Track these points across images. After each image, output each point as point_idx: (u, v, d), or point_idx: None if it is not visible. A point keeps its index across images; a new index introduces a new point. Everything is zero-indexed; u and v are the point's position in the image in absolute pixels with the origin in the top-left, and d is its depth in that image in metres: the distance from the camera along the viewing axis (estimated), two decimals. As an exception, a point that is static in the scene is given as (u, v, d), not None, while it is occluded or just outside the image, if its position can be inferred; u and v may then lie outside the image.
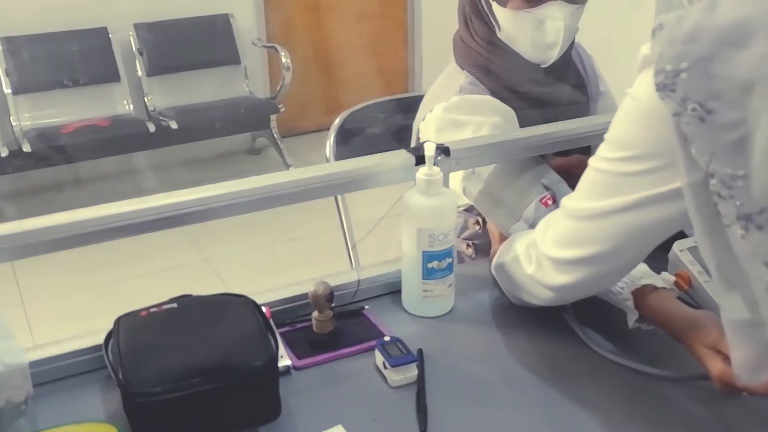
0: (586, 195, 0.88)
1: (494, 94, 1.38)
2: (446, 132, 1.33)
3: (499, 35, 1.36)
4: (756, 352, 0.73)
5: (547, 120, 1.37)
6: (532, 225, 1.11)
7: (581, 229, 0.88)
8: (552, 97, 1.41)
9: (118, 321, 0.97)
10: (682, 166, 0.72)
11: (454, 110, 1.35)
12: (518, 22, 1.32)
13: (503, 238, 1.18)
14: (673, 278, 1.07)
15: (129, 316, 0.97)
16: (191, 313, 0.97)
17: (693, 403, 0.97)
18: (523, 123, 1.37)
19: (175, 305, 0.98)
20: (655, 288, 1.03)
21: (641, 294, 1.02)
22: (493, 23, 1.35)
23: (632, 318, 1.04)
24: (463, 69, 1.43)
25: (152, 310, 0.98)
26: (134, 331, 0.94)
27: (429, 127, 1.38)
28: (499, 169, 1.24)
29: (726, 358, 0.89)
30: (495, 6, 1.33)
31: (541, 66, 1.37)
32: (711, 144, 0.68)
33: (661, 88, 0.71)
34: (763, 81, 0.66)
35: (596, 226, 0.86)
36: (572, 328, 1.10)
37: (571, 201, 0.90)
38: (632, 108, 0.79)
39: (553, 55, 1.35)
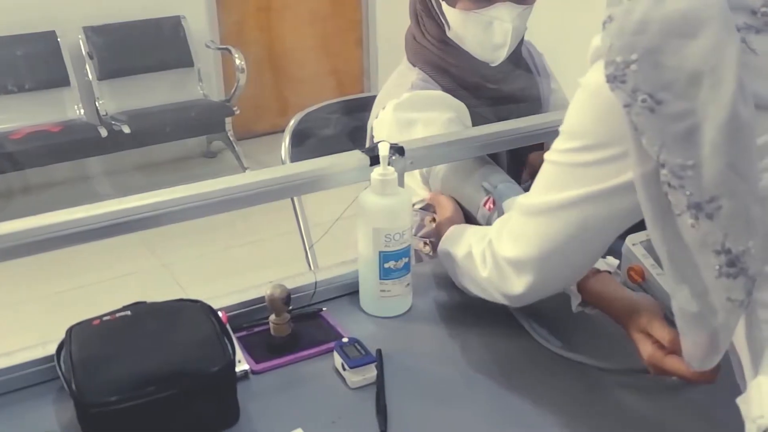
0: (541, 190, 0.88)
1: (446, 91, 1.39)
2: (398, 129, 1.33)
3: (449, 34, 1.36)
4: (705, 340, 0.74)
5: (499, 117, 1.38)
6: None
7: (536, 224, 0.88)
8: (503, 94, 1.42)
9: (70, 331, 0.95)
10: (633, 157, 0.73)
11: (406, 107, 1.36)
12: (467, 22, 1.33)
13: (452, 218, 1.20)
14: (617, 261, 1.09)
15: (81, 326, 0.95)
16: (145, 320, 0.95)
17: (639, 394, 0.99)
18: (476, 120, 1.37)
19: (128, 313, 0.97)
20: (597, 271, 1.05)
21: (584, 278, 1.03)
22: (443, 22, 1.36)
23: (575, 301, 1.06)
24: (414, 66, 1.43)
25: (105, 318, 0.96)
26: (87, 341, 0.92)
27: (382, 125, 1.38)
28: (448, 173, 1.26)
29: (656, 342, 0.93)
30: (444, 6, 1.34)
31: (492, 65, 1.38)
32: (661, 134, 0.69)
33: (611, 79, 0.71)
34: (711, 72, 0.67)
35: (551, 221, 0.86)
36: (522, 324, 1.12)
37: (526, 198, 0.90)
38: (585, 99, 0.80)
39: (502, 55, 1.37)
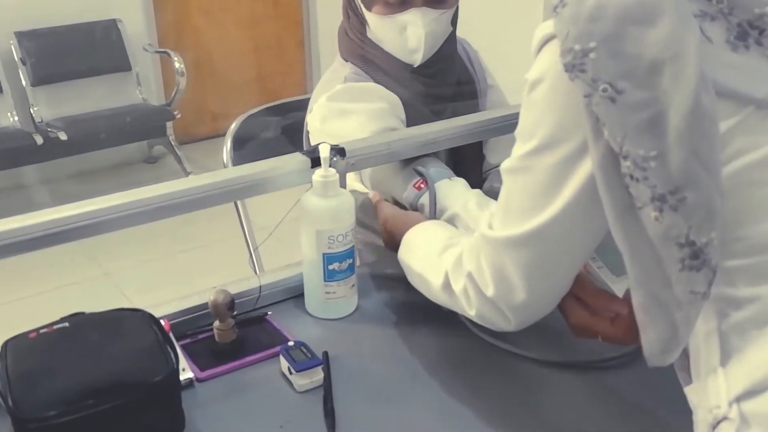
0: (510, 217, 0.81)
1: (378, 83, 1.39)
2: (331, 120, 1.32)
3: (369, 35, 1.37)
4: (666, 334, 0.73)
5: (434, 112, 1.38)
6: (412, 208, 1.18)
7: (517, 258, 0.81)
8: (437, 90, 1.43)
9: (5, 345, 0.92)
10: (592, 148, 0.70)
11: (338, 98, 1.35)
12: (382, 26, 1.34)
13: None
14: None
15: (17, 339, 0.93)
16: (84, 331, 0.93)
17: (583, 385, 1.01)
18: (411, 114, 1.37)
19: (66, 324, 0.94)
20: None
21: None
22: (365, 22, 1.36)
23: None
24: (347, 61, 1.43)
25: (42, 331, 0.93)
26: (23, 354, 0.89)
27: (314, 117, 1.38)
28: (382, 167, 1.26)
29: (586, 306, 0.94)
30: (363, 8, 1.34)
31: (413, 66, 1.38)
32: (623, 125, 0.67)
33: (569, 68, 0.69)
34: (672, 60, 0.66)
35: (531, 250, 0.80)
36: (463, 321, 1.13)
37: (499, 229, 0.82)
38: (537, 93, 0.76)
39: (418, 59, 1.36)
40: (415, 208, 1.25)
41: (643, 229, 0.69)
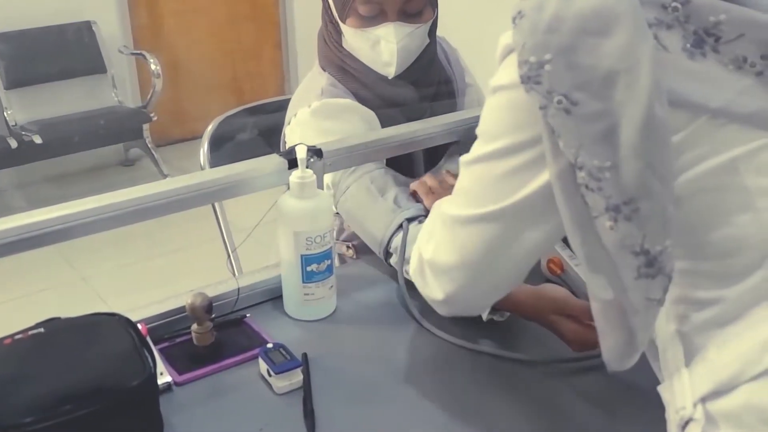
0: (461, 201, 0.83)
1: (355, 94, 1.39)
2: (309, 140, 1.32)
3: (344, 45, 1.37)
4: (624, 339, 0.74)
5: (413, 118, 1.38)
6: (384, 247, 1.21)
7: (457, 235, 0.83)
8: (414, 97, 1.43)
9: (-21, 352, 0.91)
10: (549, 159, 0.71)
11: (316, 116, 1.35)
12: (356, 39, 1.34)
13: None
14: None
15: (-9, 346, 0.91)
16: (60, 336, 0.92)
17: (559, 383, 1.02)
18: (389, 122, 1.37)
19: (42, 330, 0.93)
20: None
21: None
22: (341, 32, 1.36)
23: (485, 312, 1.09)
24: (324, 70, 1.43)
25: (17, 337, 0.92)
26: (-2, 361, 0.88)
27: (293, 134, 1.38)
28: (358, 191, 1.28)
29: (575, 320, 0.99)
30: (338, 19, 1.34)
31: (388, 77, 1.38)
32: (578, 136, 0.67)
33: (525, 80, 0.69)
34: (627, 71, 0.66)
35: (472, 233, 0.82)
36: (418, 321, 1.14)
37: (450, 207, 0.85)
38: (498, 100, 0.77)
39: (391, 72, 1.36)
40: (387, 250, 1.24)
41: (599, 238, 0.70)
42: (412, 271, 0.93)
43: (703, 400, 0.70)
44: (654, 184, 0.67)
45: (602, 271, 0.72)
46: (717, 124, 0.69)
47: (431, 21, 1.36)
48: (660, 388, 0.78)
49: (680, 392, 0.73)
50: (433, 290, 0.89)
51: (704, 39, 0.69)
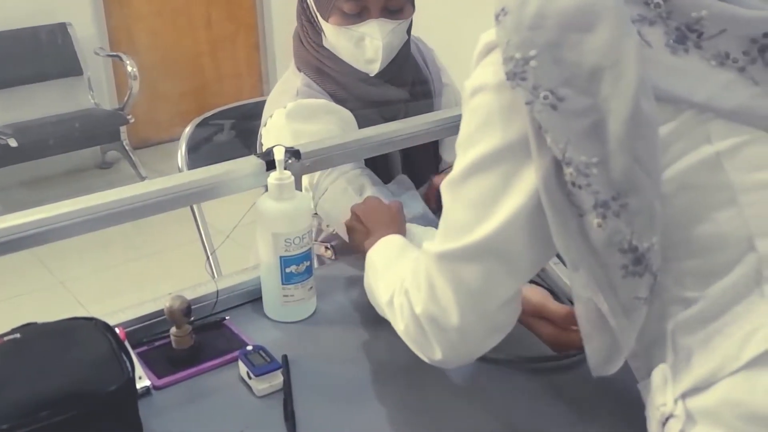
0: (452, 231, 0.78)
1: (331, 95, 1.39)
2: (284, 142, 1.32)
3: (325, 44, 1.37)
4: (608, 342, 0.74)
5: (387, 119, 1.39)
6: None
7: (455, 271, 0.78)
8: (391, 96, 1.43)
9: (-45, 358, 0.90)
10: (535, 157, 0.70)
11: (291, 118, 1.35)
12: (339, 36, 1.34)
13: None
14: None
15: (-33, 352, 0.90)
16: (36, 342, 0.91)
17: (538, 381, 1.02)
18: (365, 123, 1.38)
19: (18, 335, 0.92)
20: None
21: None
22: (321, 30, 1.36)
23: None
24: (300, 71, 1.43)
25: (-7, 342, 0.91)
26: (-27, 368, 0.87)
27: (268, 136, 1.38)
28: (335, 192, 1.29)
29: (552, 323, 0.99)
30: (320, 17, 1.34)
31: (368, 75, 1.39)
32: (565, 132, 0.67)
33: (511, 77, 0.68)
34: (612, 66, 0.66)
35: (468, 265, 0.77)
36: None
37: (437, 245, 0.80)
38: (480, 101, 0.74)
39: (375, 69, 1.37)
40: None
41: (586, 238, 0.70)
42: (402, 329, 0.86)
43: (684, 396, 0.71)
44: (642, 178, 0.67)
45: (588, 271, 0.71)
46: (701, 119, 0.69)
47: (411, 17, 1.37)
48: (640, 386, 0.79)
49: (661, 389, 0.73)
50: (433, 348, 0.82)
51: (687, 35, 0.70)
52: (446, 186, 0.79)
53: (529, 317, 1.01)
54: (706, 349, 0.70)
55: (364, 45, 1.33)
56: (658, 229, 0.69)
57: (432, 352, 0.83)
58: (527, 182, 0.72)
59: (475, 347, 0.84)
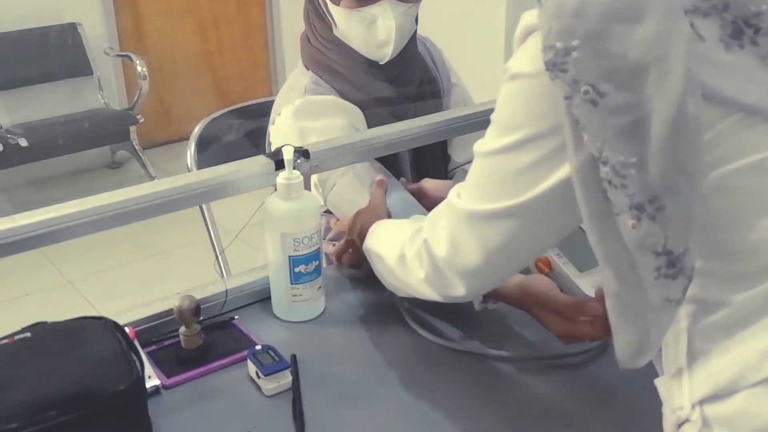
0: (477, 195, 0.79)
1: (339, 93, 1.39)
2: (293, 140, 1.32)
3: (336, 33, 1.37)
4: (637, 338, 0.71)
5: (396, 117, 1.39)
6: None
7: (476, 231, 0.80)
8: (399, 93, 1.43)
9: (-35, 357, 0.90)
10: (570, 152, 0.67)
11: (299, 115, 1.35)
12: (350, 20, 1.34)
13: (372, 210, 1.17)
14: None
15: (-22, 351, 0.91)
16: (46, 341, 0.91)
17: (542, 379, 1.02)
18: (372, 121, 1.38)
19: (28, 334, 0.92)
20: None
21: None
22: (331, 21, 1.36)
23: (477, 302, 1.09)
24: (308, 69, 1.43)
25: (3, 341, 0.91)
26: (-16, 366, 0.88)
27: (276, 134, 1.38)
28: (344, 185, 1.30)
29: (559, 314, 0.98)
30: (330, 4, 1.34)
31: (380, 63, 1.39)
32: (603, 129, 0.63)
33: (550, 67, 0.65)
34: (658, 62, 0.62)
35: (491, 228, 0.79)
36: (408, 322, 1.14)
37: (467, 201, 0.81)
38: (517, 87, 0.72)
39: (388, 53, 1.37)
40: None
41: (619, 235, 0.67)
42: (423, 275, 0.89)
43: (701, 402, 0.69)
44: (681, 182, 0.64)
45: (618, 267, 0.69)
46: (750, 123, 0.66)
47: (419, 3, 1.37)
48: (657, 382, 0.77)
49: (678, 392, 0.72)
50: (456, 288, 0.86)
51: (743, 29, 0.66)
52: (479, 153, 0.78)
53: (536, 308, 1.00)
54: (727, 357, 0.69)
55: (377, 27, 1.33)
56: (695, 232, 0.66)
57: (453, 290, 0.87)
58: (561, 174, 0.71)
59: (493, 282, 0.91)
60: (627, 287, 0.69)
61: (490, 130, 0.77)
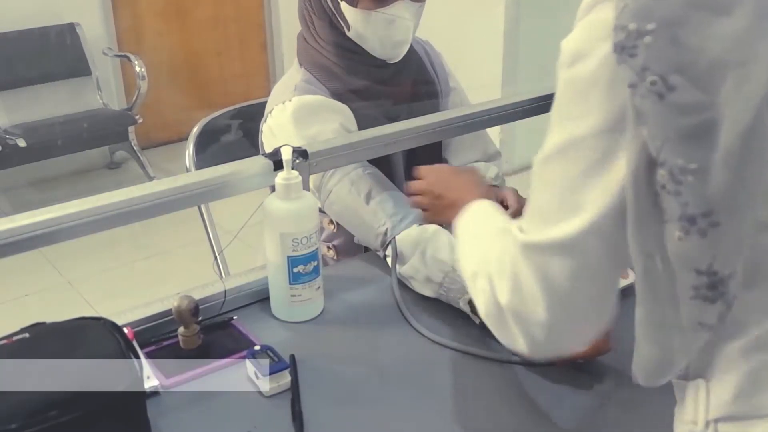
0: (541, 220, 0.70)
1: (332, 92, 1.39)
2: (283, 142, 1.32)
3: (349, 34, 1.37)
4: (659, 356, 0.67)
5: (390, 119, 1.39)
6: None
7: (544, 264, 0.69)
8: (396, 95, 1.44)
9: (-36, 357, 0.90)
10: (628, 145, 0.61)
11: (291, 116, 1.34)
12: (369, 22, 1.34)
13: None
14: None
15: (-23, 352, 0.91)
16: (45, 341, 0.91)
17: (545, 382, 1.02)
18: (364, 123, 1.38)
19: (27, 335, 0.92)
20: None
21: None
22: (341, 23, 1.36)
23: (476, 320, 1.11)
24: (301, 67, 1.43)
25: (2, 342, 0.91)
26: (-17, 367, 0.87)
27: (268, 134, 1.38)
28: (341, 192, 1.29)
29: None
30: (344, 6, 1.34)
31: (389, 62, 1.39)
32: (666, 127, 0.57)
33: (619, 49, 0.58)
34: (739, 65, 0.56)
35: (561, 256, 0.68)
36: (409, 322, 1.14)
37: (525, 233, 0.71)
38: (578, 70, 0.64)
39: (402, 52, 1.38)
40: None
41: (662, 246, 0.62)
42: (484, 313, 0.77)
43: (717, 421, 0.67)
44: (742, 199, 0.59)
45: (654, 280, 0.63)
46: None
47: (425, 1, 1.37)
48: (675, 382, 0.73)
49: (693, 404, 0.69)
50: (516, 339, 0.74)
51: None
52: (537, 162, 0.70)
53: None
54: (752, 382, 0.66)
55: (395, 27, 1.34)
56: (744, 255, 0.61)
57: (514, 343, 0.75)
58: (618, 173, 0.63)
59: (563, 344, 0.75)
60: (659, 302, 0.65)
61: (549, 130, 0.69)
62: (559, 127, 0.67)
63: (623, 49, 0.58)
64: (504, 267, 0.73)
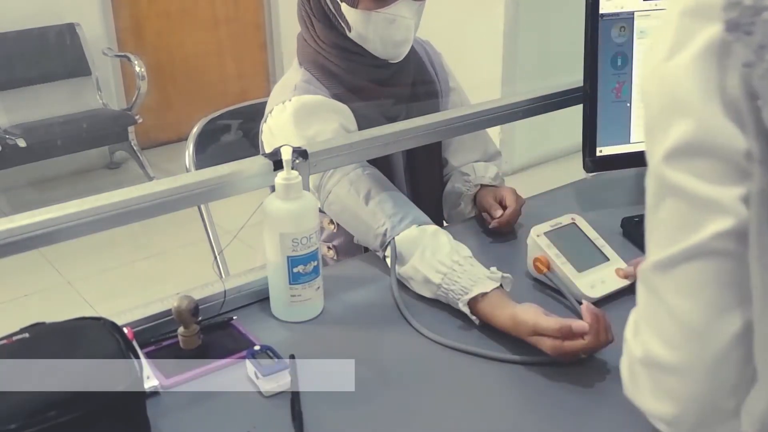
0: (661, 235, 0.61)
1: (332, 92, 1.39)
2: (283, 142, 1.32)
3: (350, 36, 1.37)
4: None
5: (389, 119, 1.39)
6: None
7: (672, 283, 0.60)
8: (392, 94, 1.44)
9: (-37, 358, 0.90)
10: (750, 138, 0.53)
11: (291, 116, 1.34)
12: (370, 22, 1.34)
13: None
14: (500, 273, 1.13)
15: (-24, 352, 0.91)
16: (45, 341, 0.91)
17: (550, 382, 1.02)
18: (365, 122, 1.38)
19: (26, 335, 0.92)
20: (484, 294, 1.10)
21: (474, 303, 1.10)
22: (342, 25, 1.36)
23: (475, 320, 1.12)
24: (301, 67, 1.43)
25: (1, 342, 0.91)
26: (-18, 367, 0.87)
27: (268, 134, 1.38)
28: (341, 193, 1.29)
29: (550, 337, 1.01)
30: (345, 7, 1.34)
31: (391, 62, 1.39)
32: None
33: (732, 27, 0.52)
34: None
35: (691, 268, 0.58)
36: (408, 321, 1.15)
37: (649, 259, 0.62)
38: (675, 66, 0.56)
39: (404, 51, 1.38)
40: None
41: None
42: (626, 380, 0.68)
43: None
44: None
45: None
46: None
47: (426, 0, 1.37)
48: None
49: None
50: (648, 399, 0.64)
51: None
52: (649, 175, 0.61)
53: (529, 336, 1.04)
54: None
55: (396, 26, 1.34)
56: None
57: (653, 407, 0.64)
58: (733, 193, 0.54)
59: (705, 400, 0.61)
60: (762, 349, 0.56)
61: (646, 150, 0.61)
62: (659, 141, 0.58)
63: (738, 27, 0.52)
64: (636, 320, 0.66)
